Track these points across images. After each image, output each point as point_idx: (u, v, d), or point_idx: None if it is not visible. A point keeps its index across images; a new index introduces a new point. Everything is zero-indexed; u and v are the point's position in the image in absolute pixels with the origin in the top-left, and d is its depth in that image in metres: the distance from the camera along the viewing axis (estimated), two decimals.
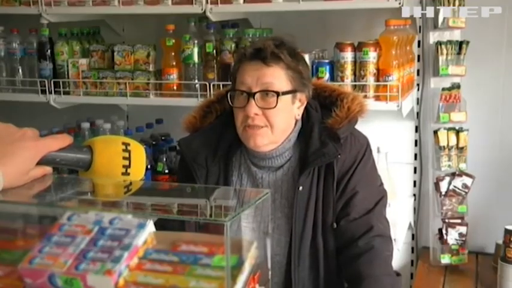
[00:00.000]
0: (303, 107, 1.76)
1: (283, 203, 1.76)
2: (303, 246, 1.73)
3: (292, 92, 1.70)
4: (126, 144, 0.98)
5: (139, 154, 0.99)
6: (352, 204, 1.74)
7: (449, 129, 2.56)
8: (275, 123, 1.69)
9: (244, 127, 1.70)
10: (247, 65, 1.69)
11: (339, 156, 1.71)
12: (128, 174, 0.97)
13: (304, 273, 1.75)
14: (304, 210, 1.72)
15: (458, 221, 2.58)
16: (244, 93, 1.68)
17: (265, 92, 1.67)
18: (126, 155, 0.97)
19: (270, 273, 0.92)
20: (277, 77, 1.67)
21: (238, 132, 1.73)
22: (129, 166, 0.97)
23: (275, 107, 1.66)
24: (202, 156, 1.77)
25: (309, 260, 1.75)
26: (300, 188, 1.72)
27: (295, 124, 1.77)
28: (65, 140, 0.95)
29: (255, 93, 1.66)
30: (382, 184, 1.85)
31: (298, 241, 1.72)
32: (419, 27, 2.60)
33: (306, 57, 2.16)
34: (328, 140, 1.72)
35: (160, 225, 0.88)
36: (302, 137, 1.77)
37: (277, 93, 1.66)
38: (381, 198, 1.79)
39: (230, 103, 1.73)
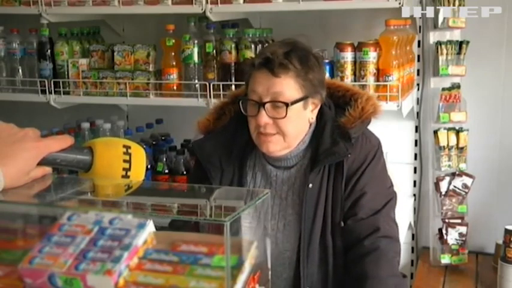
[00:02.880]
0: (317, 109, 1.75)
1: (295, 200, 1.76)
2: (312, 243, 1.73)
3: (303, 98, 1.68)
4: (127, 147, 0.98)
5: (139, 157, 0.99)
6: (360, 205, 1.74)
7: (449, 129, 2.56)
8: (287, 131, 1.68)
9: (257, 133, 1.70)
10: (257, 73, 1.67)
11: (349, 155, 1.71)
12: (128, 177, 0.97)
13: (313, 270, 1.75)
14: (313, 207, 1.73)
15: (458, 221, 2.58)
16: (255, 102, 1.68)
17: (275, 102, 1.66)
18: (127, 158, 0.97)
19: (270, 273, 0.92)
20: (286, 86, 1.65)
21: (252, 137, 1.73)
22: (129, 169, 0.97)
23: (285, 116, 1.65)
24: (216, 157, 1.77)
25: (318, 257, 1.75)
26: (310, 185, 1.72)
27: (310, 126, 1.76)
28: (66, 140, 0.95)
29: (265, 103, 1.65)
30: (392, 186, 1.84)
31: (307, 238, 1.73)
32: (419, 27, 2.60)
33: None
34: (339, 139, 1.72)
35: (176, 226, 0.88)
36: (315, 135, 1.77)
37: (286, 104, 1.64)
38: (389, 200, 1.79)
39: (243, 111, 1.72)
